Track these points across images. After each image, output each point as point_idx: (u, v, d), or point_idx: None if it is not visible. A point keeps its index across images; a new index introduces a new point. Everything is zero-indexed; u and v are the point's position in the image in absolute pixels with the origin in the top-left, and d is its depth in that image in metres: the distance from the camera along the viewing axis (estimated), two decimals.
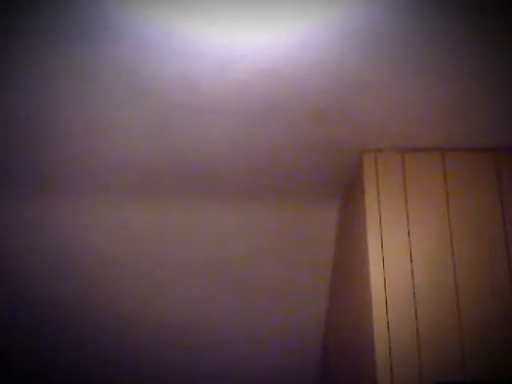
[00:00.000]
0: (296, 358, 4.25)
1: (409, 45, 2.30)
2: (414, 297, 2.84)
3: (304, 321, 4.00)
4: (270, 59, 2.36)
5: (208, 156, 2.92)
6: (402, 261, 2.93)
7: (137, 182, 3.26)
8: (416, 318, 2.75)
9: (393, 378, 2.59)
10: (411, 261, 2.86)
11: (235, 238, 3.55)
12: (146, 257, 3.60)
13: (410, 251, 2.88)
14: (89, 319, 3.71)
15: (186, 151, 2.95)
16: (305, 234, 3.51)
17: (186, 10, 2.11)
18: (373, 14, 2.14)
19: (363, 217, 2.90)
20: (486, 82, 2.52)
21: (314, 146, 2.90)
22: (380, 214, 2.86)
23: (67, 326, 3.64)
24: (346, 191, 3.28)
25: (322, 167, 3.06)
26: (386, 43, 2.29)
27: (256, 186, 3.19)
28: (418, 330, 2.71)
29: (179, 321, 4.01)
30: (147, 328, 4.03)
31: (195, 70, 2.42)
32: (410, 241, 2.89)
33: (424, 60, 2.38)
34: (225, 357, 4.25)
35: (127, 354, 4.10)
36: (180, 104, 2.63)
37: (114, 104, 2.65)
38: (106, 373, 4.02)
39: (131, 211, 3.38)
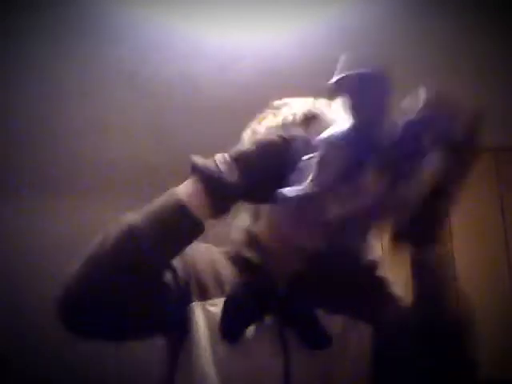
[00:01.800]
0: None
1: (409, 45, 2.29)
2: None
3: None
4: (270, 59, 2.36)
5: (207, 155, 2.91)
6: (402, 261, 2.91)
7: (137, 181, 3.25)
8: None
9: None
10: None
11: None
12: None
13: None
14: None
15: (186, 151, 2.95)
16: None
17: (185, 10, 2.11)
18: (373, 14, 2.14)
19: None
20: (485, 81, 2.52)
21: None
22: None
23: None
24: None
25: None
26: (386, 43, 2.29)
27: None
28: None
29: None
30: None
31: (195, 70, 2.41)
32: None
33: (424, 60, 2.38)
34: None
35: (126, 354, 4.10)
36: (180, 104, 2.63)
37: (114, 104, 2.65)
38: (106, 373, 4.02)
39: (130, 210, 3.37)
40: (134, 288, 0.96)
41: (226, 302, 1.05)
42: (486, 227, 2.94)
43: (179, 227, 0.98)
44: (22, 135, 2.85)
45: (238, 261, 1.13)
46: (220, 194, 0.98)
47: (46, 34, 2.20)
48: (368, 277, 1.16)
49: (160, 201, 1.01)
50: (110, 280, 0.95)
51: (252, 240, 1.13)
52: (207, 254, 1.15)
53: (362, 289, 1.12)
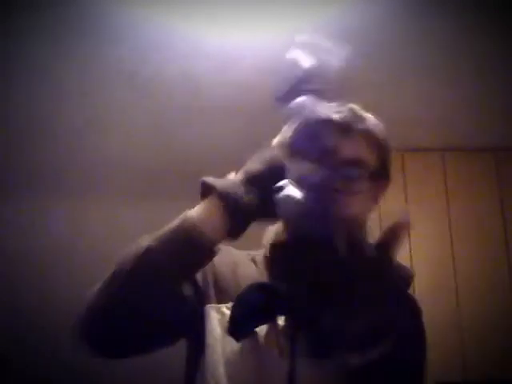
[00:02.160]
0: None
1: (409, 45, 2.29)
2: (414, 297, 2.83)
3: None
4: (269, 59, 2.36)
5: (208, 155, 2.91)
6: (402, 261, 2.91)
7: (136, 181, 3.25)
8: None
9: None
10: (411, 261, 2.86)
11: None
12: None
13: (410, 251, 2.87)
14: None
15: (186, 151, 2.95)
16: None
17: (185, 10, 2.11)
18: (373, 14, 2.14)
19: None
20: (485, 82, 2.52)
21: None
22: (380, 214, 2.85)
23: (67, 327, 3.63)
24: None
25: None
26: (386, 43, 2.29)
27: None
28: None
29: None
30: None
31: (195, 70, 2.41)
32: (410, 241, 2.89)
33: (424, 60, 2.38)
34: None
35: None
36: (180, 104, 2.63)
37: (115, 104, 2.65)
38: (106, 373, 4.01)
39: (130, 210, 3.37)
40: (155, 303, 0.97)
41: (235, 301, 1.05)
42: (486, 227, 2.94)
43: (193, 250, 0.99)
44: (22, 135, 2.85)
45: (260, 263, 1.13)
46: (240, 216, 0.99)
47: (46, 34, 2.20)
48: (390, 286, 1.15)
49: (175, 223, 1.02)
50: (130, 298, 0.96)
51: (278, 243, 1.13)
52: (228, 257, 1.15)
53: (381, 297, 1.10)
